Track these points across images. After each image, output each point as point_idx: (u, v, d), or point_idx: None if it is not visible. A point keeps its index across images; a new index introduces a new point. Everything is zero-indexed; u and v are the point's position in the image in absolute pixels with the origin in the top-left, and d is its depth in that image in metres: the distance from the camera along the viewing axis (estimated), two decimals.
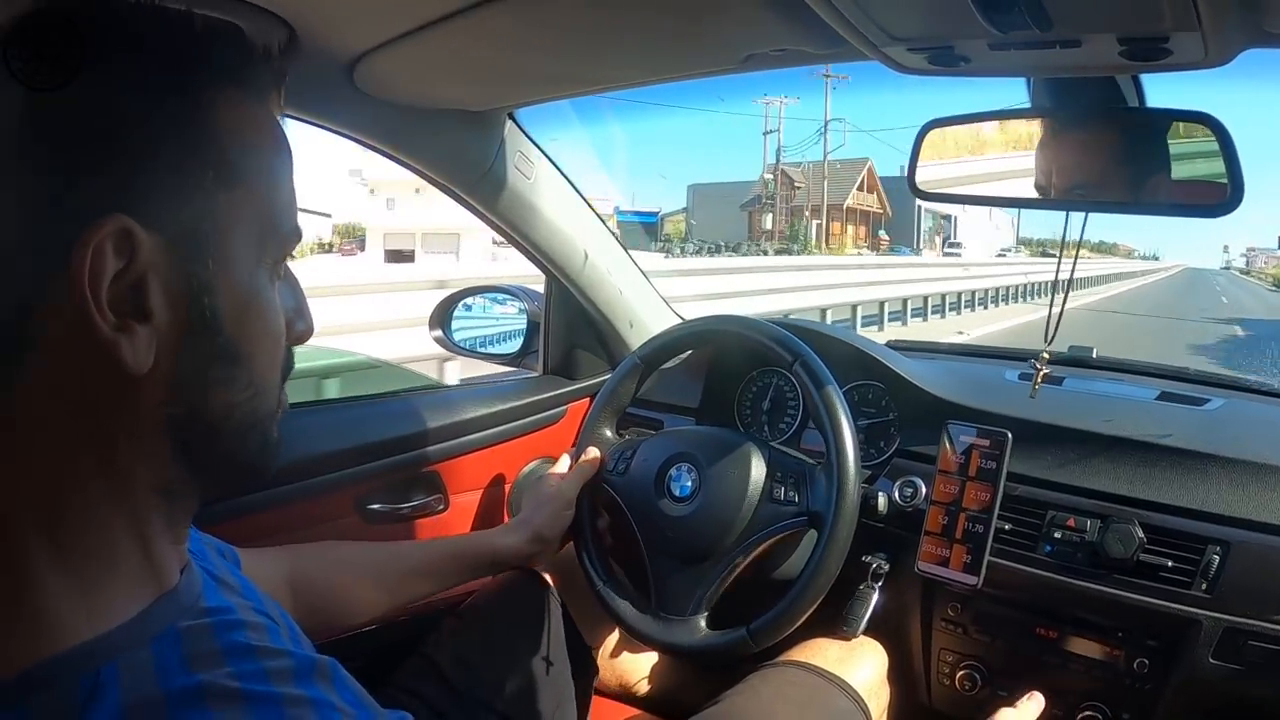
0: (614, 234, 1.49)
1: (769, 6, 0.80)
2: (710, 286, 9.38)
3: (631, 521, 1.17)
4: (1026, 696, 1.06)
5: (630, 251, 1.53)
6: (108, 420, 0.44)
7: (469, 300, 1.60)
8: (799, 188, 45.32)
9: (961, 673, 1.21)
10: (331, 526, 1.20)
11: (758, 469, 1.11)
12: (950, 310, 15.37)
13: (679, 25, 0.89)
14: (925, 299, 14.54)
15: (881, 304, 12.60)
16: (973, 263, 21.33)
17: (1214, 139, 0.87)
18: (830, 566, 1.04)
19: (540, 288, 1.54)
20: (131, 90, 0.44)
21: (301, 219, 0.52)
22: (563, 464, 1.27)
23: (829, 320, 9.69)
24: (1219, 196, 0.87)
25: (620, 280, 1.49)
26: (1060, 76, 0.92)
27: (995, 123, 0.99)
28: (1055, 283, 1.12)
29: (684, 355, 1.44)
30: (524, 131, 1.29)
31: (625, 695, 1.40)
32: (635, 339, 1.49)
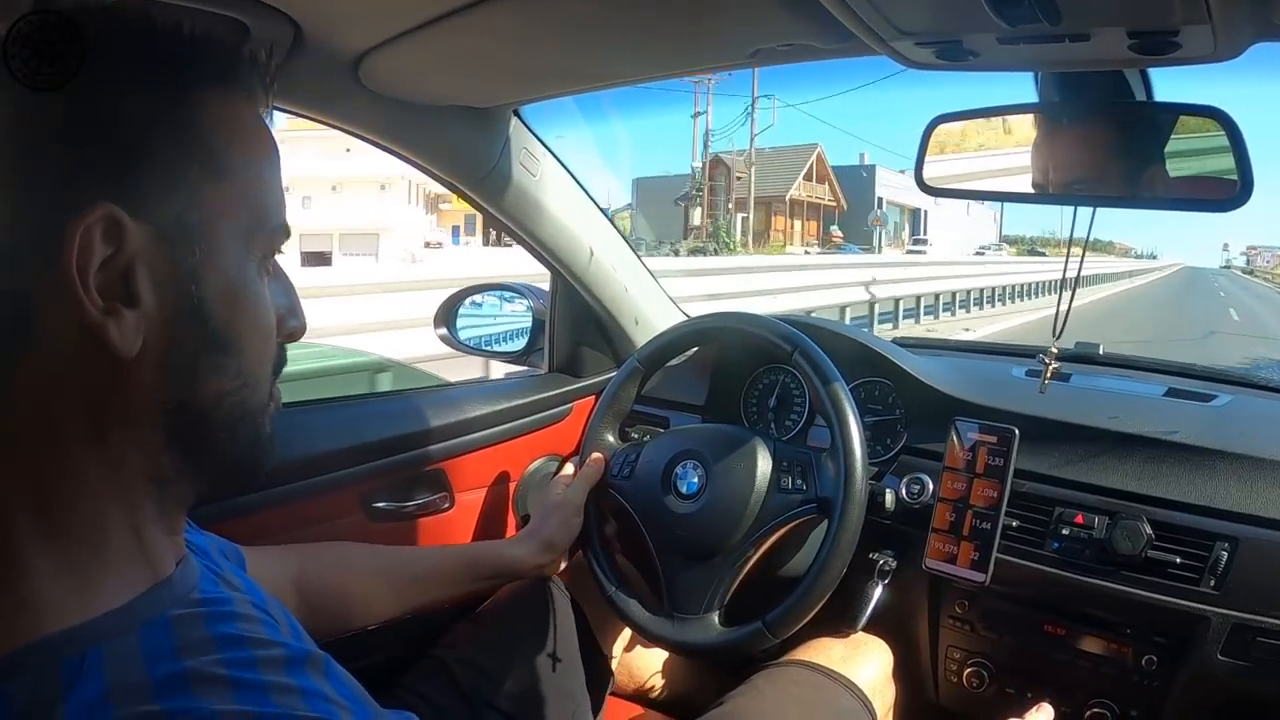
0: (619, 231, 1.48)
1: (777, 1, 0.79)
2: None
3: (640, 524, 1.16)
4: (1035, 708, 1.06)
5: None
6: (100, 407, 0.45)
7: (474, 298, 1.60)
8: (739, 178, 38.61)
9: (969, 670, 1.20)
10: (337, 525, 1.20)
11: (764, 461, 1.11)
12: (906, 317, 13.15)
13: (686, 20, 0.88)
14: (873, 304, 11.82)
15: (842, 309, 10.90)
16: (938, 261, 18.97)
17: (1223, 134, 0.86)
18: (843, 552, 1.03)
19: (545, 285, 1.54)
20: (123, 89, 0.45)
21: None
22: (567, 471, 1.27)
23: None
24: (1228, 191, 0.87)
25: (625, 277, 1.48)
26: (1068, 71, 0.92)
27: (1002, 118, 0.98)
28: (1063, 279, 1.12)
29: (689, 353, 1.44)
30: (529, 128, 1.28)
31: (638, 696, 1.40)
32: (641, 336, 1.49)
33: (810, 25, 0.82)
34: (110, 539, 0.46)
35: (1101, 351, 1.41)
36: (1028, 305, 18.63)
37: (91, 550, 0.45)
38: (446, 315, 1.58)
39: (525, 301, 1.57)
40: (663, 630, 1.11)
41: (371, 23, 0.94)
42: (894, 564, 1.18)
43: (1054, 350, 1.13)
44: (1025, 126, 0.97)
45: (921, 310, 13.72)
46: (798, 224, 47.04)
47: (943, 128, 0.98)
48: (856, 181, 50.01)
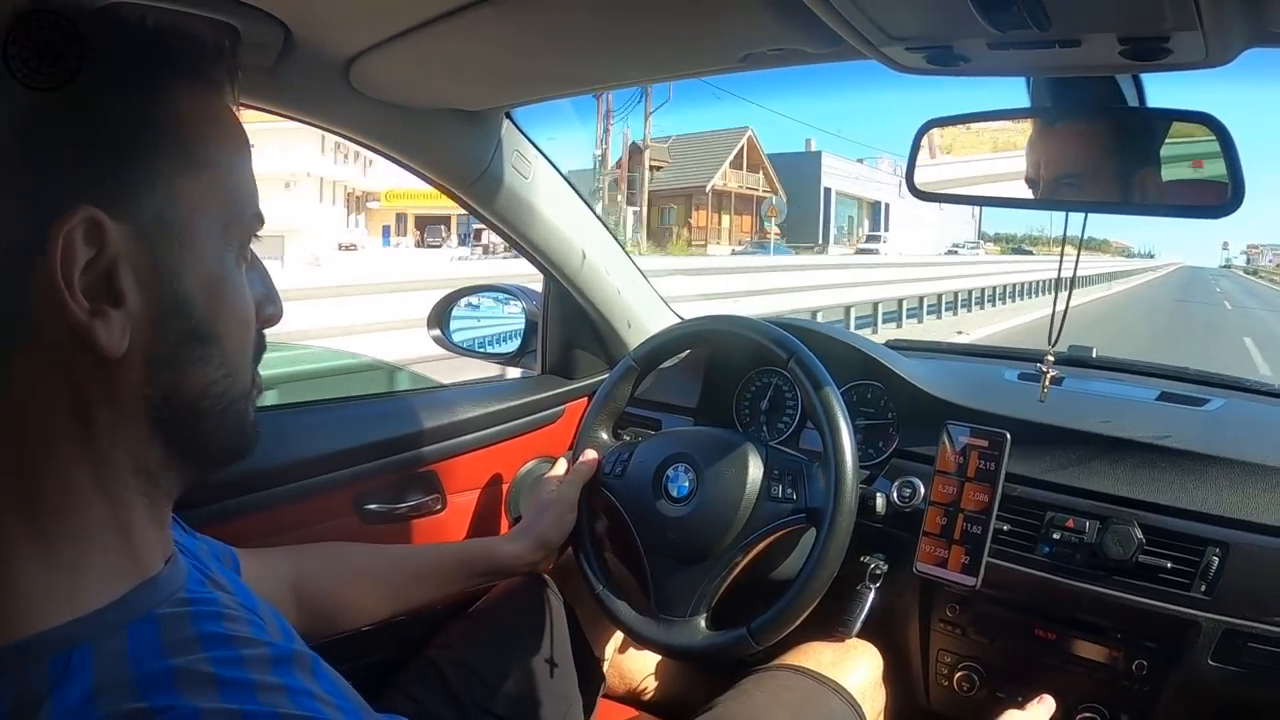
0: (612, 233, 1.48)
1: (767, 6, 0.79)
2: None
3: (630, 524, 1.16)
4: (1037, 700, 1.06)
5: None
6: (88, 404, 0.46)
7: (467, 300, 1.60)
8: (658, 168, 33.14)
9: (960, 673, 1.20)
10: (329, 526, 1.20)
11: (755, 468, 1.11)
12: (862, 326, 11.42)
13: (676, 25, 0.88)
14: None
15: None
16: (890, 263, 17.22)
17: (1215, 139, 0.86)
18: (830, 562, 1.03)
19: (539, 287, 1.53)
20: (97, 89, 0.45)
21: None
22: (560, 466, 1.26)
23: None
24: (1220, 197, 0.86)
25: (618, 280, 1.48)
26: (1060, 76, 0.92)
27: (995, 122, 0.98)
28: (1058, 281, 1.12)
29: (682, 355, 1.44)
30: (521, 131, 1.28)
31: (629, 698, 1.40)
32: (633, 339, 1.49)
33: (800, 30, 0.82)
34: (98, 537, 0.46)
35: (1095, 355, 1.41)
36: (1008, 309, 17.53)
37: (79, 549, 0.45)
38: (440, 317, 1.58)
39: (519, 303, 1.57)
40: (648, 631, 1.11)
41: (362, 26, 0.94)
42: (885, 568, 1.17)
43: (1050, 358, 1.13)
44: (1017, 131, 0.97)
45: (879, 319, 12.38)
46: (726, 219, 40.79)
47: (934, 131, 0.98)
48: (800, 170, 43.08)
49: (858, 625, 1.14)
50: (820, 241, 39.86)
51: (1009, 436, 1.12)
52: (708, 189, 38.73)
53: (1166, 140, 0.90)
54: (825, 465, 1.06)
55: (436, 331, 1.58)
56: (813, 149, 45.83)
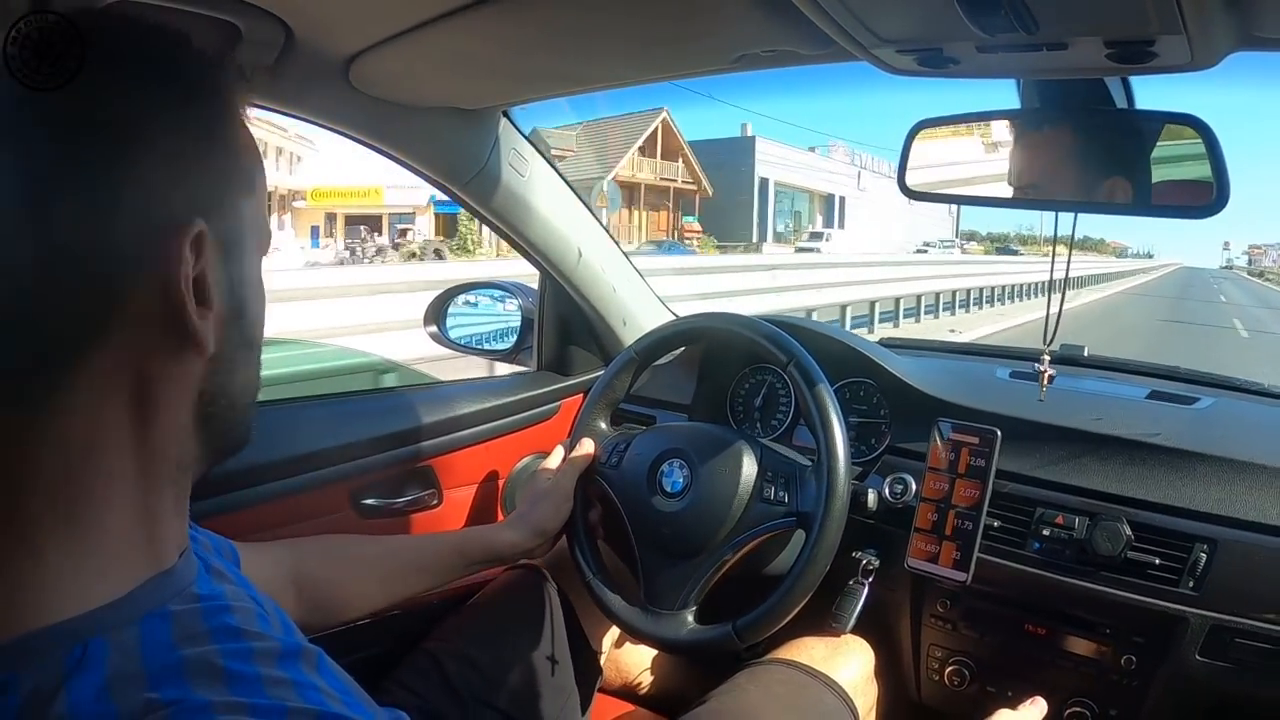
0: (606, 230, 1.49)
1: (759, 8, 0.80)
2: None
3: (623, 515, 1.17)
4: (1029, 701, 1.07)
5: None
6: (153, 398, 0.48)
7: (464, 296, 1.61)
8: (561, 157, 28.28)
9: (950, 668, 1.22)
10: (326, 521, 1.20)
11: (749, 467, 1.12)
12: None
13: (670, 26, 0.89)
14: None
15: None
16: (834, 262, 14.61)
17: (1201, 141, 0.88)
18: (817, 568, 1.04)
19: (535, 284, 1.54)
20: (195, 105, 0.49)
21: None
22: (556, 455, 1.26)
23: None
24: (1205, 197, 0.88)
25: (614, 278, 1.49)
26: (1049, 79, 0.93)
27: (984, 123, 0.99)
28: (1050, 282, 1.13)
29: (677, 352, 1.45)
30: (519, 129, 1.29)
31: (626, 691, 1.41)
32: (629, 336, 1.50)
33: (793, 32, 0.83)
34: (128, 527, 0.48)
35: (1086, 354, 1.42)
36: (987, 314, 16.08)
37: (109, 538, 0.47)
38: (436, 313, 1.59)
39: (515, 301, 1.58)
40: (636, 621, 1.12)
41: (362, 25, 0.95)
42: (877, 563, 1.19)
43: (1047, 357, 1.14)
44: (1006, 132, 0.98)
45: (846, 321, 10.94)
46: (637, 214, 34.52)
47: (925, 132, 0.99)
48: (732, 159, 37.57)
49: (851, 621, 1.15)
50: (754, 239, 34.51)
51: (999, 433, 1.13)
52: (606, 180, 29.50)
53: (1153, 141, 0.91)
54: (818, 471, 1.07)
55: (433, 328, 1.58)
56: (749, 134, 40.04)
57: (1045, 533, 1.11)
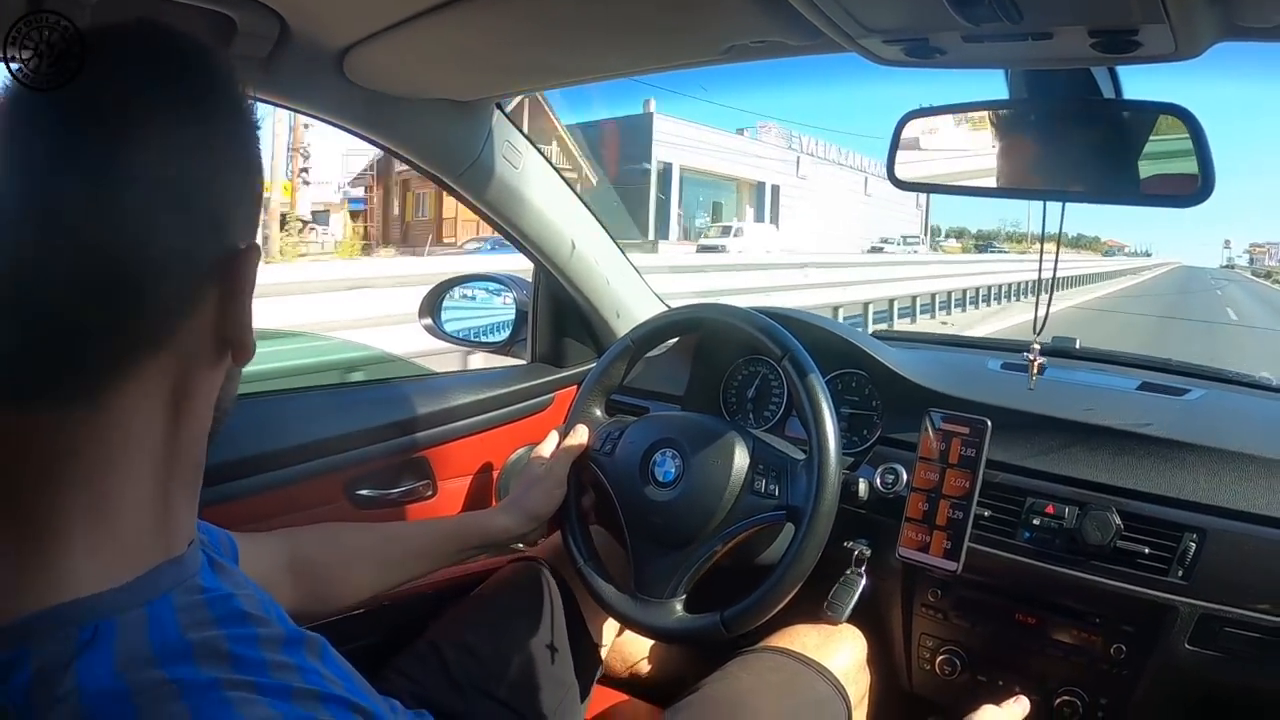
0: (601, 223, 1.50)
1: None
2: None
3: (615, 502, 1.18)
4: (1013, 699, 1.07)
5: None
6: (190, 400, 0.50)
7: (459, 289, 1.61)
8: None
9: (941, 657, 1.22)
10: (321, 512, 1.21)
11: (741, 458, 1.13)
12: None
13: (662, 17, 0.90)
14: None
15: None
16: (744, 264, 12.63)
17: (1186, 131, 0.88)
18: (805, 562, 1.05)
19: (529, 276, 1.55)
20: (246, 126, 0.52)
21: None
22: (550, 442, 1.27)
23: None
24: (1190, 188, 0.88)
25: (608, 270, 1.50)
26: (1036, 69, 0.94)
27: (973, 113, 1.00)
28: (1039, 277, 1.13)
29: (671, 342, 1.46)
30: (512, 121, 1.30)
31: (624, 680, 1.41)
32: (622, 328, 1.50)
33: (782, 23, 0.84)
34: (145, 520, 0.49)
35: (1078, 346, 1.43)
36: (959, 320, 13.69)
37: (125, 530, 0.48)
38: (431, 306, 1.59)
39: (509, 293, 1.58)
40: (625, 608, 1.13)
41: (356, 18, 0.95)
42: (869, 553, 1.19)
43: (1036, 347, 1.15)
44: (995, 122, 0.99)
45: None
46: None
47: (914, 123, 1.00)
48: (629, 141, 30.77)
49: (848, 611, 1.16)
50: (651, 235, 27.04)
51: (990, 424, 1.13)
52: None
53: (1139, 132, 0.92)
54: (809, 465, 1.08)
55: (428, 320, 1.59)
56: (651, 110, 31.56)
57: (1035, 522, 1.12)
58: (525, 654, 1.15)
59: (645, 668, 1.43)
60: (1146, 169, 0.92)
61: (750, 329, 1.18)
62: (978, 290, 16.35)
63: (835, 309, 10.55)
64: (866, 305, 11.73)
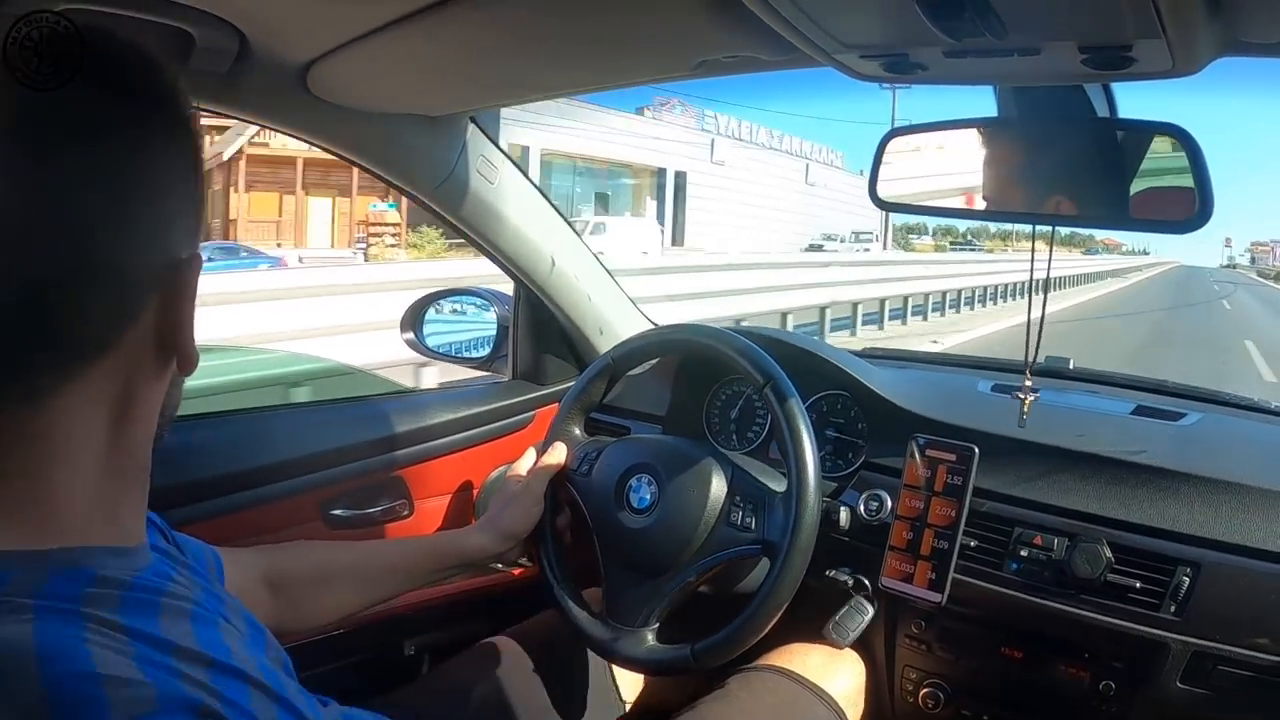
0: (580, 237, 1.47)
1: (721, 14, 0.77)
2: None
3: (590, 526, 1.15)
4: None
5: None
6: (135, 405, 0.50)
7: (441, 303, 1.59)
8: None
9: (925, 690, 1.19)
10: (296, 532, 1.19)
11: (718, 488, 1.09)
12: None
13: (631, 31, 0.87)
14: None
15: None
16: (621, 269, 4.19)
17: (1184, 152, 0.84)
18: (781, 596, 1.02)
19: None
20: (191, 137, 0.52)
21: None
22: (527, 459, 1.25)
23: None
24: (1187, 211, 0.84)
25: (588, 286, 1.47)
26: (1024, 85, 0.90)
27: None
28: (1030, 296, 1.10)
29: (653, 361, 1.42)
30: (487, 135, 1.27)
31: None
32: (604, 345, 1.47)
33: (755, 38, 0.80)
34: (92, 509, 0.49)
35: (1071, 366, 1.39)
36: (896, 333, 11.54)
37: (67, 514, 0.47)
38: (413, 320, 1.57)
39: (492, 308, 1.56)
40: (597, 634, 1.10)
41: (317, 31, 0.93)
42: (867, 582, 1.16)
43: (1028, 384, 1.10)
44: (982, 141, 0.95)
45: None
46: (291, 200, 22.72)
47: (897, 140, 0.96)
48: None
49: (852, 637, 1.13)
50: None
51: (977, 451, 1.10)
52: (231, 156, 20.92)
53: (1133, 152, 0.88)
54: (786, 500, 1.04)
55: (410, 335, 1.56)
56: None
57: (1023, 553, 1.08)
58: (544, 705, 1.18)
59: (643, 680, 1.40)
60: (1140, 191, 0.88)
61: (732, 354, 1.14)
62: (944, 295, 14.78)
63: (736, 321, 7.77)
64: (823, 310, 10.52)
